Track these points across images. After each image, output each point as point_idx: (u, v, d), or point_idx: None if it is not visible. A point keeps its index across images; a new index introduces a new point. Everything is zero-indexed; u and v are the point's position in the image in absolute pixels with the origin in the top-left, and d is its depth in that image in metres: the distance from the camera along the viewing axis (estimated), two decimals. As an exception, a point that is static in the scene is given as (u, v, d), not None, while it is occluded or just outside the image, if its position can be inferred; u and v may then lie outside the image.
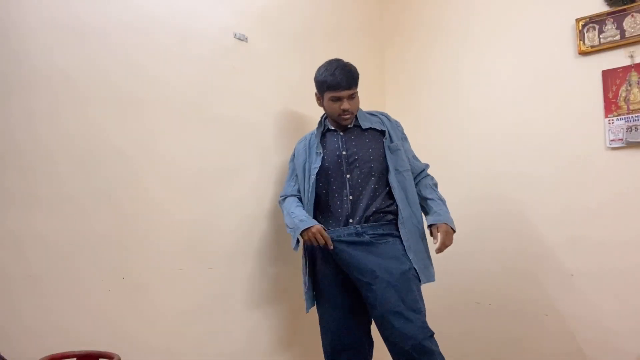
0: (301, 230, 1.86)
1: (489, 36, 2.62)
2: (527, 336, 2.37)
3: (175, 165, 1.91)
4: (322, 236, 1.85)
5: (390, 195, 1.97)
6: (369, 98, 2.66)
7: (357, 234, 1.91)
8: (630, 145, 2.15)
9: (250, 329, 2.11)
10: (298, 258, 2.29)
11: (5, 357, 1.33)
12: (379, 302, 1.81)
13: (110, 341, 1.62)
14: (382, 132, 2.01)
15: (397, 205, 1.95)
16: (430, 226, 1.95)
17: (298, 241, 1.89)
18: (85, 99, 1.68)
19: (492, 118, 2.57)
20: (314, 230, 1.85)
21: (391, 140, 2.01)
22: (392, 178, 1.96)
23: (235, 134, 2.12)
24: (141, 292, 1.76)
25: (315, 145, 2.02)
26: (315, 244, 1.86)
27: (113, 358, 1.39)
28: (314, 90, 2.05)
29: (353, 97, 1.96)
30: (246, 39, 2.20)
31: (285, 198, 2.08)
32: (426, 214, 2.01)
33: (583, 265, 2.23)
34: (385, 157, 1.98)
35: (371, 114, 2.10)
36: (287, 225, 1.98)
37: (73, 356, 1.42)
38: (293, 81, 2.40)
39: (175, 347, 1.85)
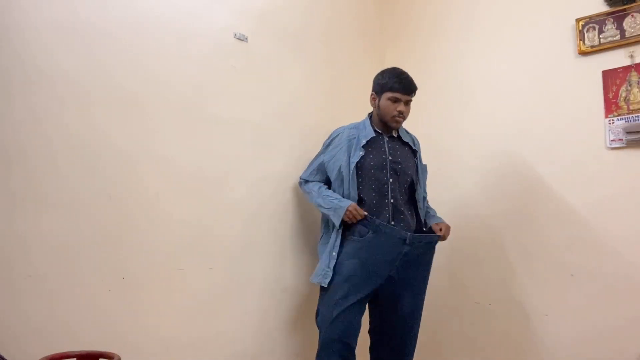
0: (345, 208, 1.97)
1: (489, 37, 2.62)
2: (527, 336, 2.37)
3: (176, 165, 1.91)
4: (357, 212, 1.96)
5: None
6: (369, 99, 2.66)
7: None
8: (630, 145, 2.15)
9: (250, 329, 2.11)
10: (298, 257, 2.29)
11: (5, 357, 1.33)
12: (406, 320, 2.03)
13: (110, 341, 1.62)
14: (414, 152, 2.19)
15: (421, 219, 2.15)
16: (434, 224, 2.15)
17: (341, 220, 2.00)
18: (87, 99, 1.68)
19: (492, 118, 2.57)
20: (350, 208, 1.97)
21: (421, 161, 2.22)
22: (420, 195, 2.16)
23: (235, 134, 2.12)
24: (141, 292, 1.76)
25: (361, 142, 2.06)
26: (354, 220, 1.97)
27: (113, 358, 1.39)
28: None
29: (408, 103, 2.09)
30: (246, 39, 2.20)
31: (308, 182, 2.21)
32: (428, 220, 2.20)
33: (583, 265, 2.23)
34: (416, 173, 2.16)
35: (406, 131, 2.24)
36: (322, 206, 2.08)
37: (73, 356, 1.42)
38: (293, 81, 2.40)
39: (175, 347, 1.85)
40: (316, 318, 2.04)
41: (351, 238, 2.01)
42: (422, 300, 2.09)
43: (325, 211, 2.08)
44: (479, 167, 2.59)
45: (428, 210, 2.23)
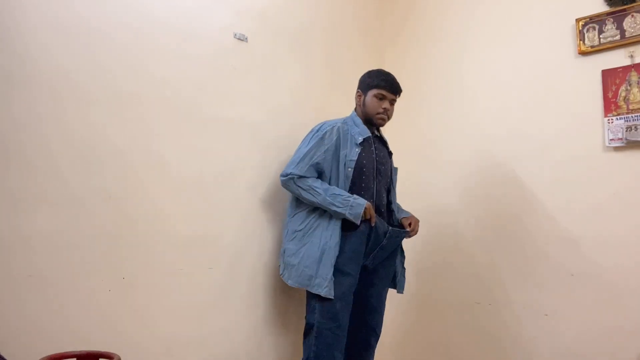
0: (363, 206, 1.93)
1: (488, 36, 2.62)
2: (527, 336, 2.37)
3: (176, 165, 1.91)
4: (371, 212, 1.96)
5: None
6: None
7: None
8: (630, 144, 2.15)
9: (250, 329, 2.11)
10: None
11: (5, 357, 1.33)
12: (373, 327, 2.09)
13: (110, 341, 1.62)
14: (391, 154, 2.23)
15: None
16: (403, 219, 2.18)
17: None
18: (86, 99, 1.68)
19: (492, 118, 2.57)
20: (367, 207, 1.95)
21: (392, 163, 2.24)
22: (394, 196, 2.20)
23: (235, 134, 2.12)
24: (141, 292, 1.77)
25: (357, 140, 2.04)
26: (366, 217, 1.95)
27: (113, 358, 1.39)
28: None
29: (393, 103, 2.14)
30: (246, 39, 2.21)
31: (303, 177, 2.00)
32: (398, 214, 2.23)
33: (583, 265, 2.23)
34: (390, 175, 2.20)
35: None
36: (334, 204, 1.93)
37: (73, 356, 1.42)
38: (293, 81, 2.40)
39: (175, 347, 1.85)
40: (311, 314, 1.97)
41: (351, 232, 1.97)
42: (386, 294, 2.16)
43: (339, 210, 1.93)
44: (479, 167, 2.59)
45: (398, 207, 2.27)
